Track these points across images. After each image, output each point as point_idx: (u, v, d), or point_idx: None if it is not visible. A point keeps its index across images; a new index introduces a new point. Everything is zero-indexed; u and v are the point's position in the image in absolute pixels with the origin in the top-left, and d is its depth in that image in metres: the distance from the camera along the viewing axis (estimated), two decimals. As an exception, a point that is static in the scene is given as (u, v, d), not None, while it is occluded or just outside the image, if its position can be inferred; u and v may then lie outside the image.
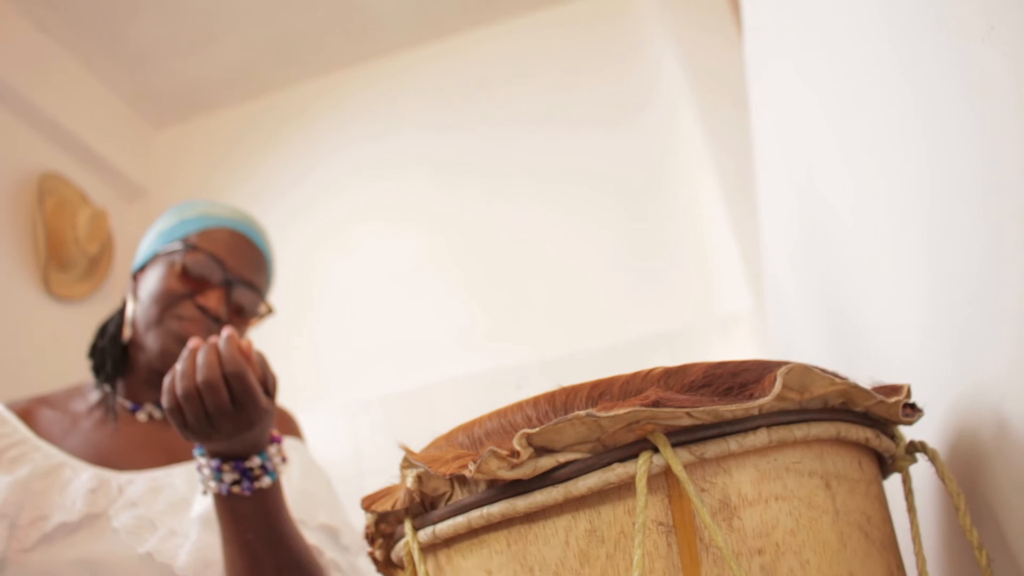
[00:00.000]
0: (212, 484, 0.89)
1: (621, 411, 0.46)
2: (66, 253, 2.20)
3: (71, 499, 1.00)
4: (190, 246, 1.09)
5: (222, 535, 0.92)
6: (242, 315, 1.13)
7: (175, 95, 2.54)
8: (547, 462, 0.49)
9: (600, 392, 0.51)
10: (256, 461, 0.89)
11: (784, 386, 0.49)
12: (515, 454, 0.48)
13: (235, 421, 0.84)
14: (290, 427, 1.22)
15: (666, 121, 2.26)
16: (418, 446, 0.59)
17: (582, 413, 0.47)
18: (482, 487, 0.51)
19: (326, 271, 2.35)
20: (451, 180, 2.37)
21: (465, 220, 2.33)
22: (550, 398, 0.52)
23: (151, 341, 1.09)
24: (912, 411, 0.58)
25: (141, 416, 1.13)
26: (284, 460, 0.93)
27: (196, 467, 0.92)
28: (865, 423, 0.56)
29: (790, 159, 1.14)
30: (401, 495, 0.55)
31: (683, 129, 2.22)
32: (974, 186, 0.53)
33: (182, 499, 1.04)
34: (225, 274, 1.09)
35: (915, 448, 0.59)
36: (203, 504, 1.01)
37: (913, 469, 0.62)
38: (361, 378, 2.17)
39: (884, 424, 0.58)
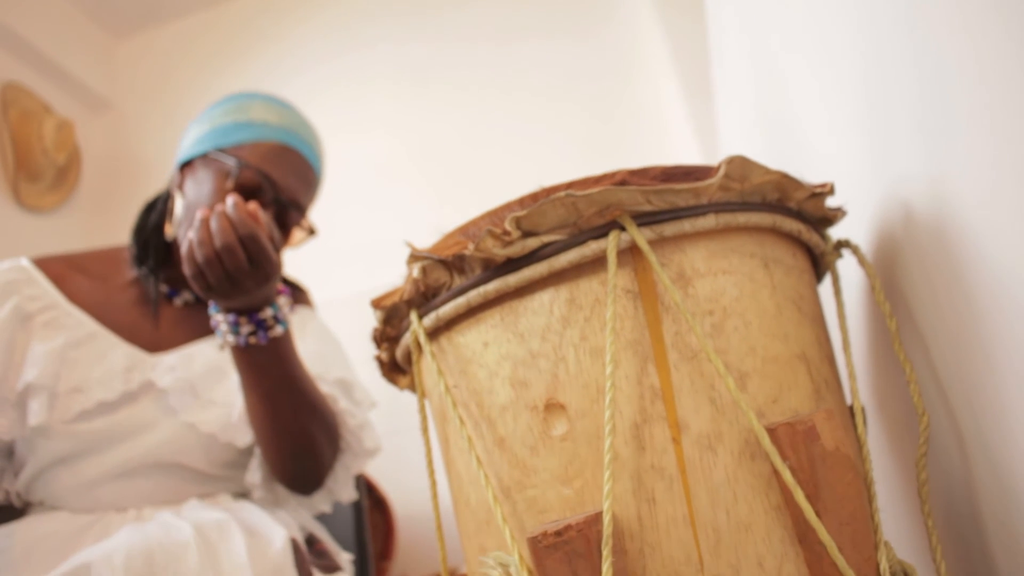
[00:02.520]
0: (230, 338, 0.96)
1: (594, 190, 0.56)
2: (34, 163, 2.22)
3: (108, 375, 1.04)
4: (243, 164, 1.07)
5: (242, 385, 1.01)
6: (284, 229, 1.15)
7: (135, 4, 2.53)
8: (533, 242, 0.58)
9: (576, 187, 0.60)
10: (269, 312, 0.96)
11: (726, 175, 0.59)
12: (507, 233, 0.57)
13: (254, 278, 0.91)
14: (303, 298, 1.29)
15: (629, 29, 2.32)
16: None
17: (562, 194, 0.56)
18: (477, 271, 0.61)
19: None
20: (418, 88, 2.41)
21: (430, 127, 2.37)
22: (533, 195, 0.61)
23: None
24: (836, 211, 0.68)
25: (177, 302, 1.17)
26: (292, 309, 1.00)
27: (212, 324, 0.99)
28: (798, 218, 0.66)
29: (744, 33, 1.23)
30: (407, 287, 0.64)
31: (645, 36, 2.27)
32: (899, 25, 0.62)
33: (216, 366, 1.10)
34: (276, 194, 1.09)
35: (841, 245, 0.70)
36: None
37: (840, 269, 0.73)
38: (332, 277, 2.24)
39: (815, 223, 0.69)
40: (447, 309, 0.63)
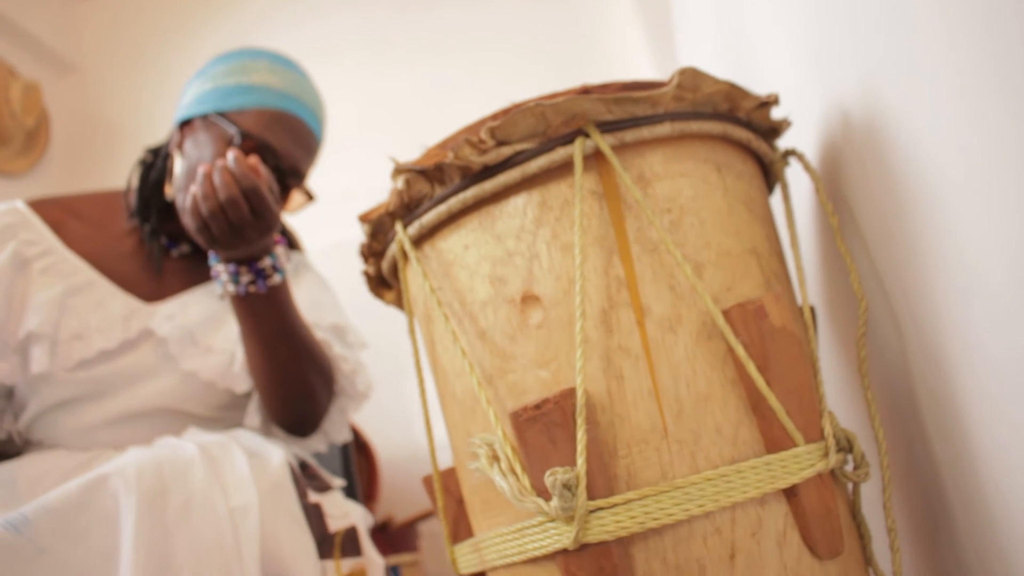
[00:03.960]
0: (230, 287, 1.00)
1: (560, 99, 0.62)
2: (3, 127, 2.22)
3: (107, 323, 1.07)
4: (245, 134, 1.07)
5: (242, 333, 1.05)
6: (283, 194, 1.15)
7: (95, -36, 2.51)
8: (507, 151, 0.64)
9: (544, 100, 0.65)
10: (267, 261, 1.00)
11: (679, 85, 0.65)
12: (482, 142, 0.63)
13: (256, 228, 0.95)
14: (295, 243, 1.32)
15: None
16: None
17: (531, 103, 0.62)
18: (456, 179, 0.67)
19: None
20: (387, 48, 2.43)
21: (402, 84, 2.40)
22: (505, 111, 0.66)
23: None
24: (782, 122, 0.75)
25: (174, 253, 1.18)
26: (288, 259, 1.04)
27: (213, 274, 1.02)
28: (747, 127, 0.72)
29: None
30: (391, 199, 0.70)
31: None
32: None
33: (212, 313, 1.13)
34: (276, 162, 1.10)
35: (788, 154, 0.76)
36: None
37: (789, 178, 0.80)
38: (311, 227, 2.28)
39: (764, 134, 0.75)
40: (429, 217, 0.68)
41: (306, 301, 1.19)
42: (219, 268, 1.00)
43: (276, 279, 1.01)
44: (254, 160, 0.96)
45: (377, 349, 2.10)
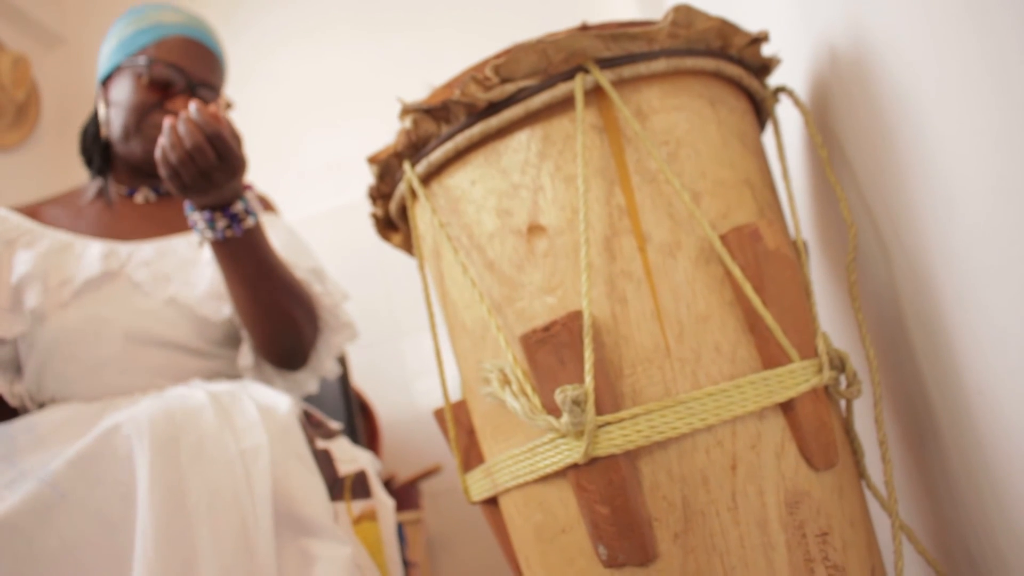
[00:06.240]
0: (208, 234, 1.06)
1: (561, 36, 0.64)
2: (-7, 101, 2.22)
3: (88, 262, 1.16)
4: (152, 60, 1.21)
5: (224, 277, 1.10)
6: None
7: (79, -64, 2.50)
8: (510, 87, 0.67)
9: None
10: (239, 205, 1.06)
11: (673, 22, 0.68)
12: (487, 79, 0.66)
13: (223, 172, 1.01)
14: (268, 206, 1.38)
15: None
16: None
17: (533, 40, 0.64)
18: (462, 117, 0.69)
19: (255, 101, 2.42)
20: (378, 14, 2.43)
21: (389, 53, 2.40)
22: (506, 51, 0.69)
23: (135, 147, 1.23)
24: (772, 59, 0.78)
25: (138, 198, 1.29)
26: (259, 203, 1.09)
27: (190, 224, 1.08)
28: (739, 64, 0.75)
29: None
30: (399, 139, 0.73)
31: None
32: None
33: (188, 260, 1.21)
34: (187, 79, 1.22)
35: (778, 90, 0.79)
36: (209, 252, 1.18)
37: (780, 115, 0.83)
38: (302, 196, 2.30)
39: (755, 71, 0.78)
40: (437, 155, 0.71)
41: (283, 248, 1.26)
42: (195, 217, 1.06)
43: (250, 222, 1.07)
44: (214, 108, 1.03)
45: (373, 312, 2.13)
